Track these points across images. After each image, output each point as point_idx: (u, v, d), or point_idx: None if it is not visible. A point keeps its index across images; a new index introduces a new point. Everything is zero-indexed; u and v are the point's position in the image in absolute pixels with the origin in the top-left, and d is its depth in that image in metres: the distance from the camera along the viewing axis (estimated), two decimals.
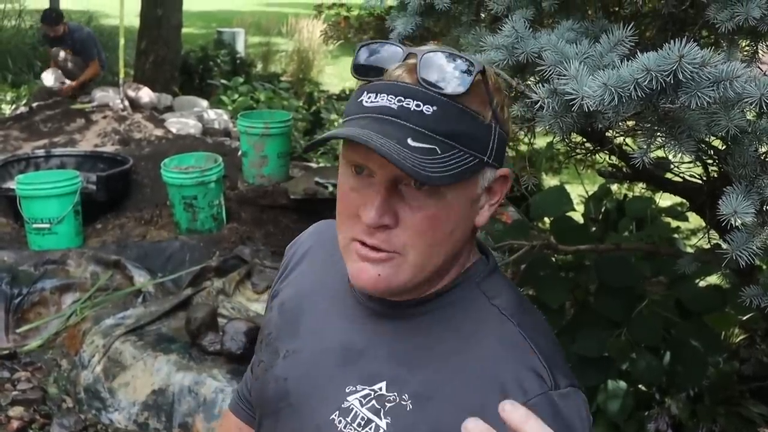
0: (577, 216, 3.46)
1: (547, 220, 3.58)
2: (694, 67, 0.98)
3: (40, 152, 5.49)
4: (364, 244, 0.86)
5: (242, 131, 5.14)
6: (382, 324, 0.93)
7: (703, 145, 1.52)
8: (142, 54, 7.73)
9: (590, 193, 3.85)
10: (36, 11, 9.05)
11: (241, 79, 8.04)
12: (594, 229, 3.51)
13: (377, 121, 0.82)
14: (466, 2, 1.63)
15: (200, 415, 2.97)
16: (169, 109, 7.11)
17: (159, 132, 6.17)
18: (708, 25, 1.33)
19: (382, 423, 0.87)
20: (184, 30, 8.35)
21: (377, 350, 0.92)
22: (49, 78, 6.84)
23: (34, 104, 6.64)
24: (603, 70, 1.07)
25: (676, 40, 0.99)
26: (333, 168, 5.51)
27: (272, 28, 11.82)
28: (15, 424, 3.07)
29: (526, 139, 2.22)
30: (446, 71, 0.83)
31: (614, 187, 4.09)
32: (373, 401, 0.89)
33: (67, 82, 6.85)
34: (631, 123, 1.45)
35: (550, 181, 5.00)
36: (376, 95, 0.84)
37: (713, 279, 2.71)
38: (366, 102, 0.84)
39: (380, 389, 0.89)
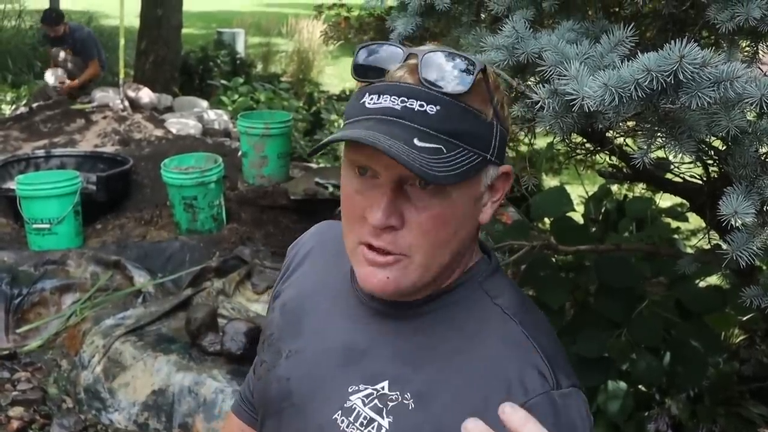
0: (578, 216, 3.46)
1: (547, 220, 3.58)
2: (694, 67, 0.98)
3: (40, 152, 5.49)
4: (371, 247, 0.86)
5: (242, 132, 5.14)
6: (386, 324, 0.93)
7: (704, 146, 1.52)
8: (142, 54, 7.74)
9: (590, 193, 3.85)
10: (36, 11, 9.05)
11: (241, 80, 8.04)
12: (594, 229, 3.51)
13: (382, 123, 0.82)
14: (467, 2, 1.63)
15: (200, 416, 2.97)
16: (169, 109, 7.11)
17: (159, 132, 6.17)
18: (708, 26, 1.33)
19: (385, 422, 0.88)
20: (184, 30, 8.35)
21: (380, 350, 0.92)
22: (50, 77, 6.84)
23: (34, 104, 6.64)
24: (603, 70, 1.07)
25: (677, 40, 0.99)
26: (333, 168, 5.51)
27: (272, 29, 11.82)
28: (15, 424, 3.07)
29: (526, 140, 2.23)
30: (447, 71, 0.83)
31: (614, 188, 4.09)
32: (376, 400, 0.89)
33: (68, 81, 6.85)
34: (631, 123, 1.45)
35: (550, 181, 5.00)
36: (379, 96, 0.84)
37: (713, 279, 2.71)
38: (368, 103, 0.84)
39: (382, 388, 0.89)
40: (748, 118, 1.16)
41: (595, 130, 1.84)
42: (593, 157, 2.68)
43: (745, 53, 1.44)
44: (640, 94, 1.01)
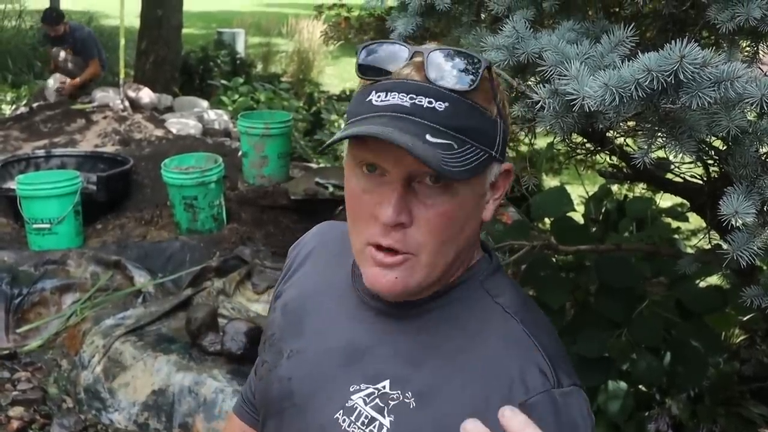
0: (578, 216, 3.46)
1: (547, 220, 3.58)
2: (695, 67, 0.98)
3: (41, 152, 5.49)
4: (379, 247, 0.86)
5: (242, 132, 5.14)
6: (388, 323, 0.93)
7: (704, 146, 1.52)
8: (143, 54, 7.73)
9: (591, 193, 3.85)
10: (36, 11, 9.05)
11: (241, 80, 8.04)
12: (594, 229, 3.51)
13: (393, 119, 0.82)
14: (467, 3, 1.63)
15: (200, 416, 2.97)
16: (170, 109, 7.11)
17: (159, 132, 6.17)
18: (709, 26, 1.33)
19: (386, 421, 0.88)
20: (185, 30, 8.35)
21: (382, 349, 0.92)
22: (51, 83, 6.84)
23: (34, 104, 6.64)
24: (604, 70, 1.07)
25: (677, 40, 0.99)
26: (333, 168, 5.51)
27: (272, 29, 11.82)
28: (15, 424, 3.07)
29: (526, 140, 2.23)
30: (454, 68, 0.84)
31: (615, 188, 4.10)
32: (377, 400, 0.89)
33: (68, 80, 6.85)
34: (631, 123, 1.45)
35: (550, 181, 5.00)
36: (387, 94, 0.84)
37: (714, 279, 2.71)
38: (376, 101, 0.84)
39: (384, 387, 0.89)
40: (748, 118, 1.16)
41: (596, 130, 1.84)
42: (593, 157, 2.68)
43: (746, 53, 1.44)
44: (640, 94, 1.01)
